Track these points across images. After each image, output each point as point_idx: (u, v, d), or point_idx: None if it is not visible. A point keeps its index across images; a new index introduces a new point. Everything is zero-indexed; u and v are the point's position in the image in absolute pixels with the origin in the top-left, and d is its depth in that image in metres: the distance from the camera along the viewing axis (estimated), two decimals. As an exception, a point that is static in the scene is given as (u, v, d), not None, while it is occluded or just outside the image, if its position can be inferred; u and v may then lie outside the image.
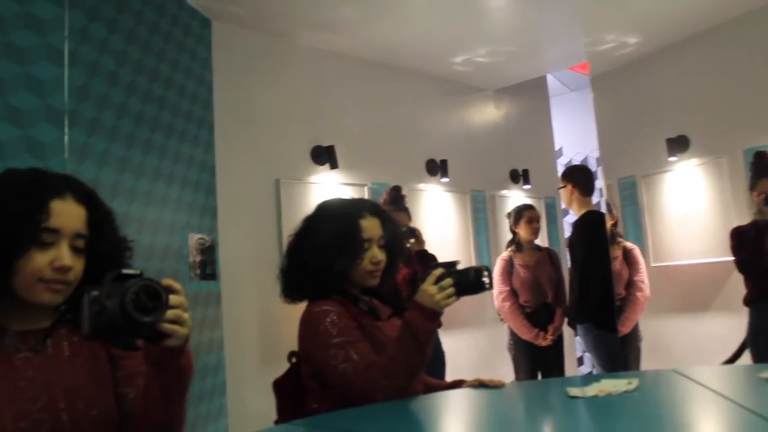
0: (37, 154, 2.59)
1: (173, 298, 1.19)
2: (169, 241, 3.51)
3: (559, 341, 4.36)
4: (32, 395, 1.23)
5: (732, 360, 3.54)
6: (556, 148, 6.86)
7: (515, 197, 6.08)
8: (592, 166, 6.31)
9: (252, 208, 4.24)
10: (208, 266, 3.81)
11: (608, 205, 4.54)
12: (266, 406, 2.05)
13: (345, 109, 4.91)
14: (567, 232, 5.93)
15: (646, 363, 4.03)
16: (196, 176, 3.85)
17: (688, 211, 4.66)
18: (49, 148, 2.63)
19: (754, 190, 3.66)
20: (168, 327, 1.18)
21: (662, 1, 4.31)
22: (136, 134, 3.32)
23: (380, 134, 5.10)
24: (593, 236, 3.85)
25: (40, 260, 1.24)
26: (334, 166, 4.63)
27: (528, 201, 5.48)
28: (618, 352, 3.81)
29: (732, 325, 3.68)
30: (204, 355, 3.67)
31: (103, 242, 1.35)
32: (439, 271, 1.75)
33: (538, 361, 4.32)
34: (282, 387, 1.94)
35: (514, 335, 4.38)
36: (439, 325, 1.79)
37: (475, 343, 5.38)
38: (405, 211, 4.17)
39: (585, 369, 6.35)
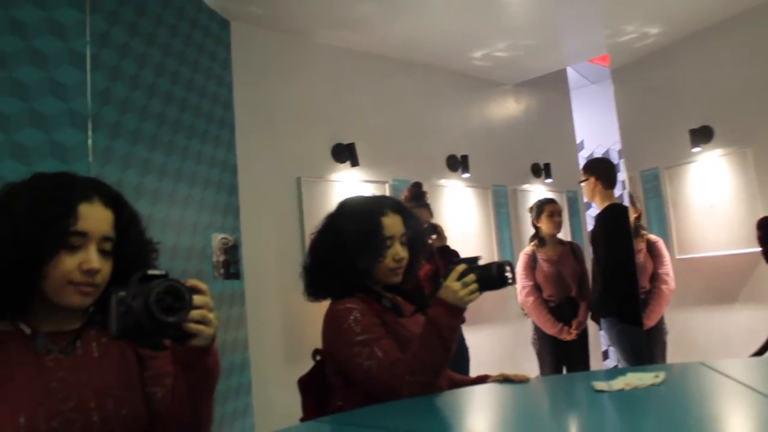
0: (61, 158, 2.63)
1: (198, 298, 1.19)
2: (193, 241, 3.54)
3: (583, 335, 4.33)
4: (63, 396, 1.25)
5: (760, 352, 3.48)
6: (578, 141, 6.82)
7: (537, 191, 6.05)
8: (614, 158, 6.27)
9: (274, 207, 4.26)
10: (231, 266, 3.84)
11: (631, 197, 4.49)
12: (292, 403, 2.06)
13: (365, 107, 4.91)
14: (590, 225, 5.88)
15: (672, 356, 3.99)
16: (218, 176, 3.88)
17: (712, 202, 4.61)
18: (73, 152, 2.67)
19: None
20: (193, 327, 1.19)
21: (683, -9, 4.27)
22: (159, 136, 3.35)
23: (400, 131, 5.10)
24: (616, 229, 3.82)
25: (69, 263, 1.26)
26: (355, 163, 4.64)
27: (550, 195, 5.45)
28: (643, 346, 3.78)
29: (760, 317, 3.64)
30: (229, 354, 3.70)
31: (130, 244, 1.37)
32: (461, 267, 1.75)
33: (562, 356, 4.30)
34: (307, 385, 1.95)
35: (538, 330, 4.36)
36: (463, 320, 1.79)
37: (498, 338, 5.36)
38: (426, 207, 4.16)
39: (610, 363, 6.31)
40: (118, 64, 3.07)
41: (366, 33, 4.71)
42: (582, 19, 4.79)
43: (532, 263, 4.41)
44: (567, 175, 6.16)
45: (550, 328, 4.26)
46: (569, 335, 4.23)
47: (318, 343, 1.94)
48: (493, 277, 1.76)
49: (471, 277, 1.73)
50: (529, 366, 4.41)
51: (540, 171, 6.23)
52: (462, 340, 3.90)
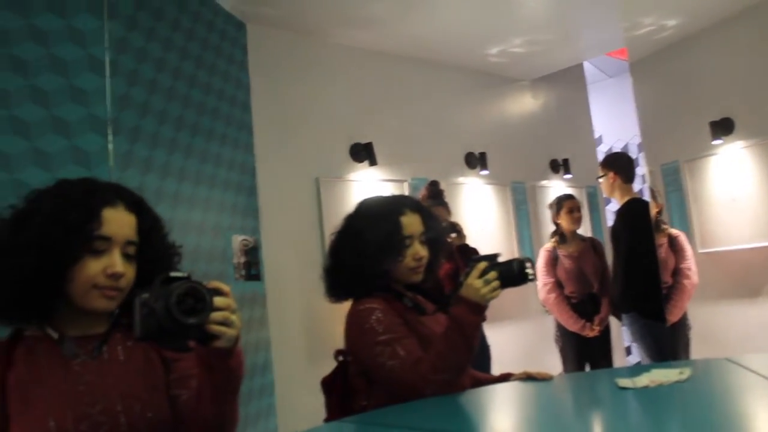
0: (83, 163, 2.65)
1: (220, 300, 1.19)
2: (214, 244, 3.56)
3: (606, 332, 4.30)
4: (90, 399, 1.27)
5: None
6: (596, 135, 6.78)
7: (556, 187, 6.02)
8: (633, 152, 6.22)
9: (293, 208, 4.28)
10: (252, 267, 3.86)
11: (652, 191, 4.45)
12: (315, 404, 2.07)
13: (382, 106, 4.92)
14: (610, 221, 5.84)
15: (696, 352, 3.95)
16: (238, 178, 3.90)
17: (735, 194, 4.55)
18: (95, 157, 2.70)
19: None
20: (215, 329, 1.19)
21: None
22: (178, 139, 3.37)
23: (418, 129, 5.10)
24: (637, 224, 3.79)
25: (94, 267, 1.28)
26: (373, 163, 4.64)
27: (569, 191, 5.42)
28: (666, 342, 3.75)
29: (785, 311, 3.59)
30: (251, 355, 3.72)
31: (153, 248, 1.39)
32: (483, 265, 1.74)
33: (585, 353, 4.27)
34: (330, 385, 1.95)
35: (560, 327, 4.34)
36: (484, 318, 1.78)
37: (520, 335, 5.35)
38: (444, 205, 4.16)
39: (633, 359, 6.27)
40: (136, 69, 3.09)
41: (381, 32, 4.71)
42: (599, 13, 4.75)
43: (552, 260, 4.38)
44: (586, 170, 6.14)
45: (573, 325, 4.23)
46: (592, 332, 4.21)
47: (340, 343, 1.94)
48: (514, 273, 1.75)
49: (492, 274, 1.72)
50: (551, 363, 4.38)
51: (559, 167, 6.20)
52: (483, 338, 3.89)
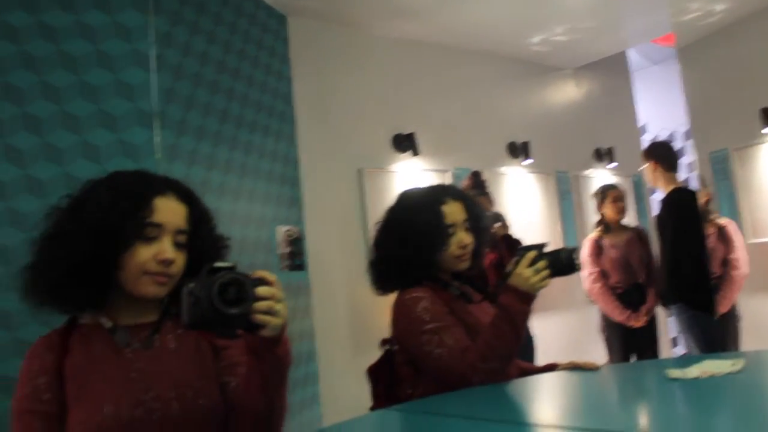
0: (130, 156, 2.71)
1: (264, 290, 1.20)
2: (259, 234, 3.61)
3: (652, 322, 4.23)
4: (144, 386, 1.30)
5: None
6: (641, 124, 6.65)
7: (601, 176, 5.94)
8: (680, 140, 6.09)
9: (336, 199, 4.30)
10: (296, 257, 3.89)
11: (702, 179, 4.36)
12: (359, 393, 2.08)
13: (424, 96, 4.90)
14: (655, 210, 5.74)
15: (747, 344, 3.86)
16: (281, 170, 3.93)
17: (787, 183, 4.44)
18: (142, 150, 2.75)
19: None
20: (260, 318, 1.20)
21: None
22: (222, 132, 3.41)
23: (460, 119, 5.08)
24: (682, 214, 3.71)
25: (145, 254, 1.31)
26: (415, 153, 4.64)
27: (614, 180, 5.34)
28: (714, 333, 3.67)
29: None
30: (296, 344, 3.75)
31: (202, 240, 1.42)
32: (532, 254, 1.74)
33: (631, 343, 4.21)
34: (376, 374, 1.96)
35: (605, 317, 4.29)
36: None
37: (564, 325, 5.30)
38: (487, 195, 4.13)
39: (679, 350, 6.16)
40: (180, 62, 3.14)
41: (422, 22, 4.69)
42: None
43: (597, 249, 4.32)
44: (631, 159, 6.01)
45: (618, 315, 4.17)
46: (638, 322, 4.15)
47: (384, 332, 1.95)
48: (562, 263, 1.74)
49: (542, 263, 1.72)
50: (596, 353, 4.33)
51: (603, 156, 6.10)
52: (527, 328, 3.85)
